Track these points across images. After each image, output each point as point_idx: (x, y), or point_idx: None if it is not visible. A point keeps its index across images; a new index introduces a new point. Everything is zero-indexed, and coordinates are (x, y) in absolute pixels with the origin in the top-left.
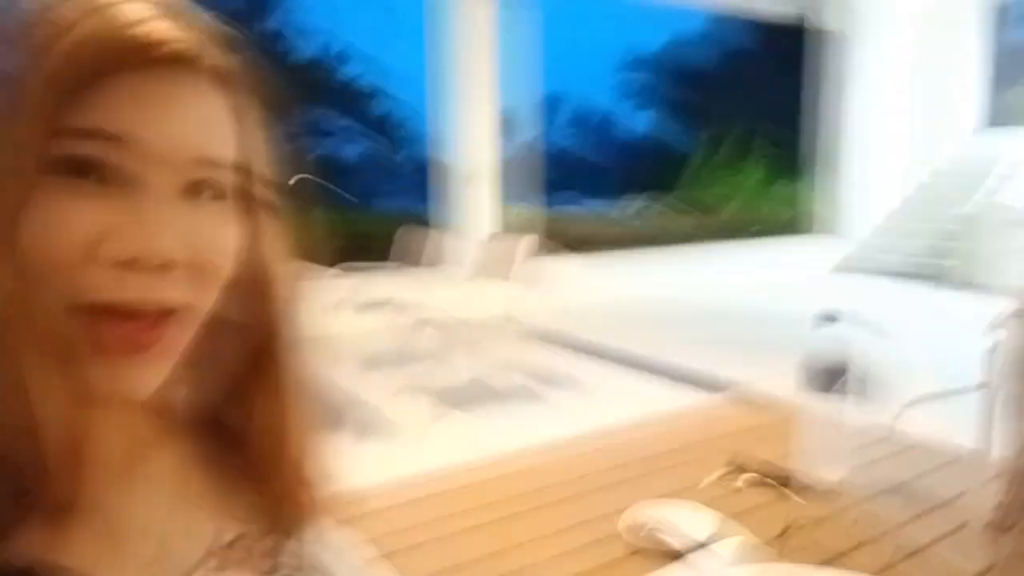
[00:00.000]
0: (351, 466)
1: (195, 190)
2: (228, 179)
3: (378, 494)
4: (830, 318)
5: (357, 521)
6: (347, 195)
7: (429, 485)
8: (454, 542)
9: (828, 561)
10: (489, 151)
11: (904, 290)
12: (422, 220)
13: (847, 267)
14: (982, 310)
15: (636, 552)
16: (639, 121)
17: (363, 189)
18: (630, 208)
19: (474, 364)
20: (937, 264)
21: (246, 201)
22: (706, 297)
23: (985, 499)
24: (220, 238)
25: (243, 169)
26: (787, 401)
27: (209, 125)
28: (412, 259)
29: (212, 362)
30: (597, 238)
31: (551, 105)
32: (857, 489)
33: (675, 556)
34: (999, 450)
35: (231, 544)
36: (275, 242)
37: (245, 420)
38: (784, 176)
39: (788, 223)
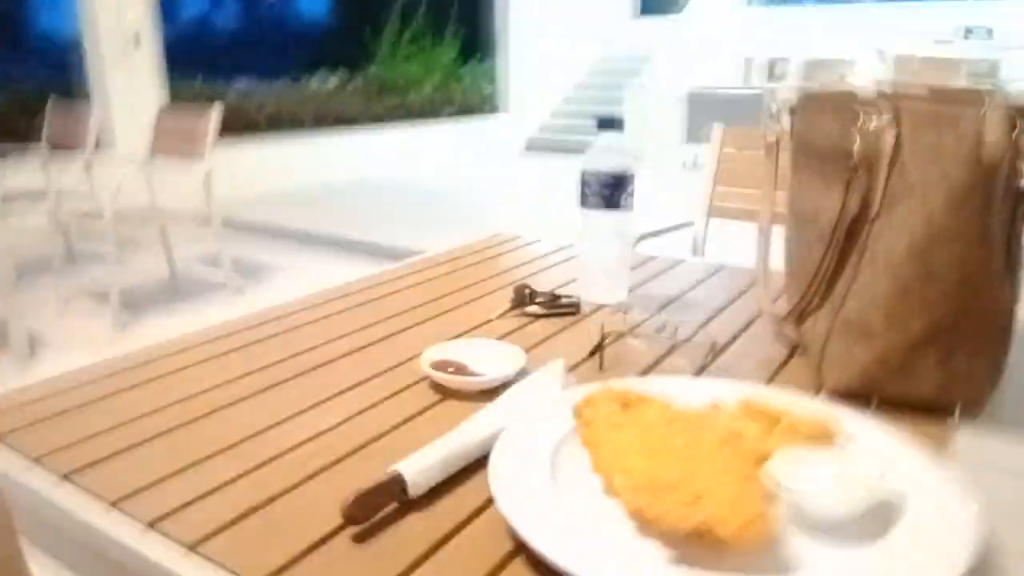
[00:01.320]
0: None
1: None
2: None
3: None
4: (610, 123)
5: None
6: None
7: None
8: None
9: (648, 369)
10: (149, 20)
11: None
12: (69, 94)
13: (534, 146)
14: None
15: (444, 397)
16: None
17: None
18: (320, 88)
19: (162, 260)
20: None
21: None
22: (402, 176)
23: (756, 300)
24: None
25: None
26: (560, 239)
27: None
28: (67, 139)
29: None
30: (285, 118)
31: None
32: (646, 304)
33: (486, 394)
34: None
35: None
36: None
37: None
38: (476, 56)
39: (480, 103)
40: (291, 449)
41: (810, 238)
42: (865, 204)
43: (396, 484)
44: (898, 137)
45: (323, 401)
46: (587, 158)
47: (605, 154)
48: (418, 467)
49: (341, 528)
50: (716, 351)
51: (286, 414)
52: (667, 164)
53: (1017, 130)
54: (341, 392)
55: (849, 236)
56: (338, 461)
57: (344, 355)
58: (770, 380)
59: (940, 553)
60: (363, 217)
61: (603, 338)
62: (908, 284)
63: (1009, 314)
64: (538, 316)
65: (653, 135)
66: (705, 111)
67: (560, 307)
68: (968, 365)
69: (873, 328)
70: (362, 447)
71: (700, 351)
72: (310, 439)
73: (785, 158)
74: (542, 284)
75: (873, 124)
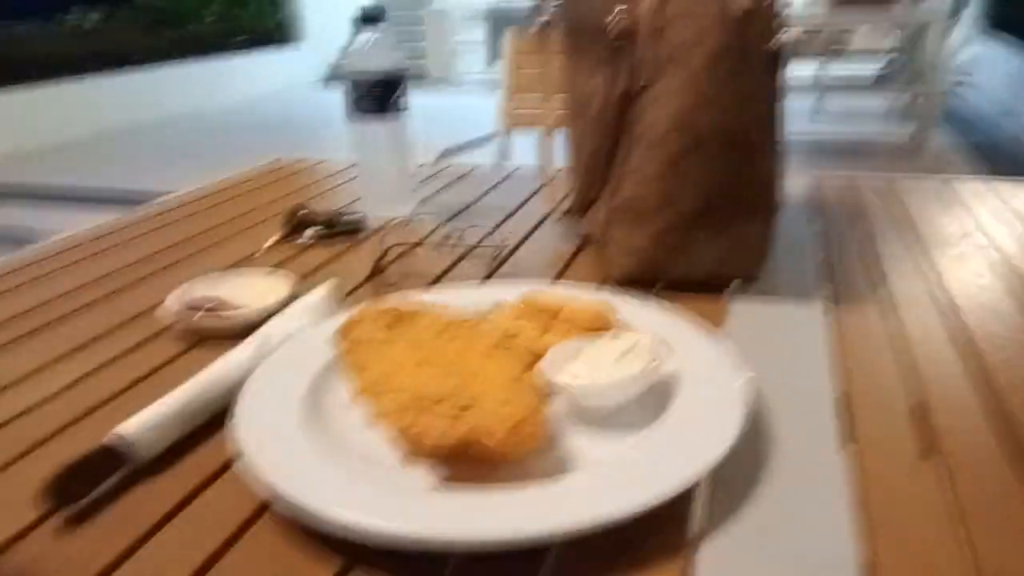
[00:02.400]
0: None
1: None
2: None
3: None
4: (371, 17)
5: None
6: None
7: None
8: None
9: (435, 280)
10: None
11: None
12: None
13: (338, 76)
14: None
15: (198, 342)
16: None
17: None
18: (81, 25)
19: None
20: (417, 64)
21: None
22: (189, 116)
23: (546, 200)
24: None
25: None
26: (338, 159)
27: None
28: None
29: None
30: (40, 63)
31: None
32: (437, 215)
33: (241, 333)
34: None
35: None
36: None
37: None
38: None
39: (273, 33)
40: None
41: (587, 123)
42: (633, 79)
43: (115, 450)
44: (657, 3)
45: (47, 365)
46: (350, 59)
47: (369, 53)
48: (145, 427)
49: (52, 513)
50: (505, 253)
51: None
52: (473, 86)
53: None
54: (71, 352)
55: (621, 115)
56: (59, 432)
57: (79, 308)
58: (558, 276)
59: (711, 428)
60: (142, 166)
61: (383, 253)
62: (675, 158)
63: (776, 177)
64: (316, 240)
65: (457, 57)
66: (506, 28)
67: (340, 227)
68: (741, 237)
69: (647, 208)
70: (90, 412)
71: (489, 255)
72: (25, 412)
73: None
74: (328, 207)
75: None
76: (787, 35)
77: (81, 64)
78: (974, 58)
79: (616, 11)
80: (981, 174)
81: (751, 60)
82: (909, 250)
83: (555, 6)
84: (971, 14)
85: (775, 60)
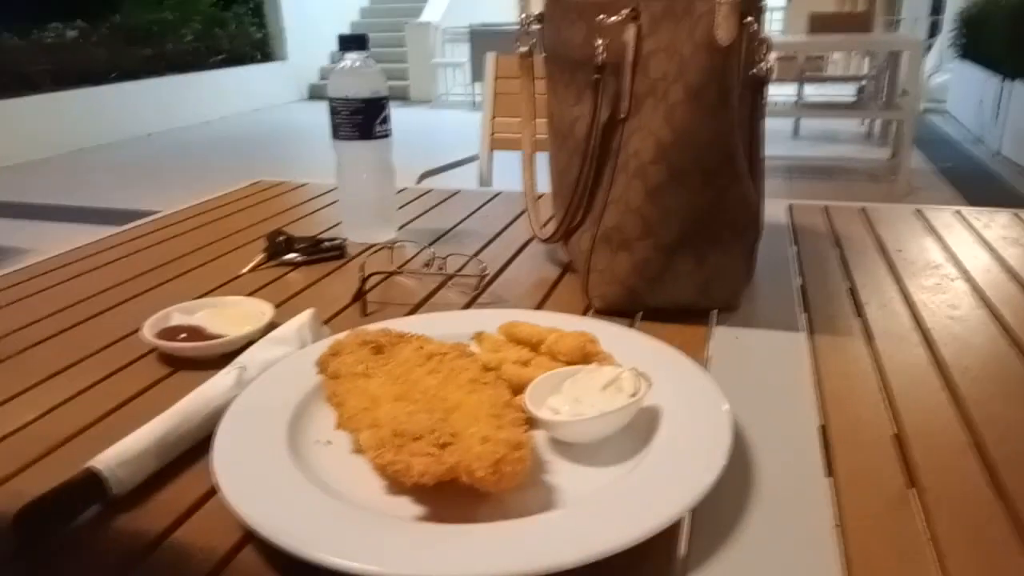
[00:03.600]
0: None
1: None
2: None
3: None
4: (354, 41)
5: None
6: None
7: None
8: None
9: (416, 308)
10: None
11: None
12: None
13: (317, 94)
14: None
15: (175, 369)
16: None
17: None
18: (57, 41)
19: None
20: (401, 86)
21: None
22: (166, 133)
23: (527, 225)
24: None
25: None
26: (318, 184)
27: None
28: None
29: None
30: (14, 78)
31: None
32: (419, 240)
33: (228, 360)
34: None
35: None
36: None
37: None
38: (242, 0)
39: (252, 51)
40: None
41: (569, 152)
42: (615, 109)
43: (87, 484)
44: (639, 32)
45: (17, 394)
46: (332, 83)
47: (351, 77)
48: (121, 458)
49: (18, 551)
50: (487, 280)
51: None
52: (455, 104)
53: (748, 17)
54: (44, 379)
55: (604, 144)
56: (27, 467)
57: (53, 335)
58: (540, 304)
59: (695, 460)
60: (118, 183)
61: (364, 280)
62: (657, 186)
63: (755, 208)
64: (296, 265)
65: (439, 75)
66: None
67: (321, 252)
68: (721, 264)
69: (630, 237)
70: (64, 442)
71: (471, 282)
72: None
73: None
74: (308, 230)
75: (612, 20)
76: (771, 60)
77: (58, 79)
78: (945, 85)
79: (598, 43)
80: (952, 198)
81: (731, 89)
82: (884, 280)
83: (537, 32)
84: (943, 42)
85: (758, 85)
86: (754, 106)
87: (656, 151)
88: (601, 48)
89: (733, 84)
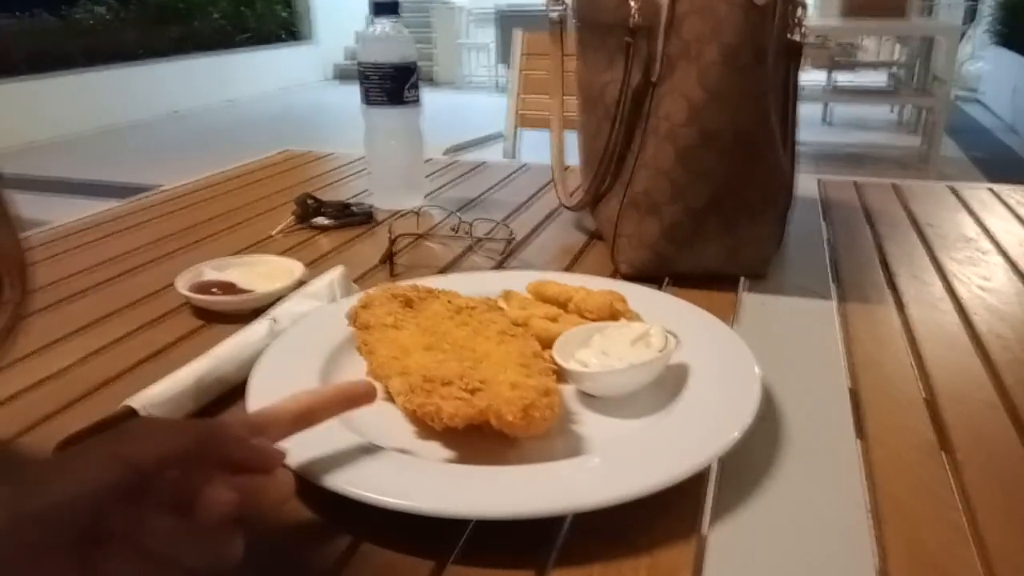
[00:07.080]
0: None
1: None
2: None
3: None
4: (386, 6)
5: None
6: None
7: None
8: None
9: (444, 270)
10: None
11: None
12: None
13: (345, 75)
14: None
15: (208, 322)
16: None
17: None
18: (87, 19)
19: None
20: (426, 68)
21: None
22: (196, 112)
23: (555, 196)
24: None
25: None
26: (349, 151)
27: None
28: None
29: None
30: (49, 57)
31: None
32: (446, 207)
33: (259, 314)
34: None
35: None
36: None
37: None
38: None
39: (279, 30)
40: (5, 402)
41: (599, 118)
42: (647, 72)
43: (125, 420)
44: None
45: (57, 341)
46: (363, 48)
47: (383, 43)
48: (157, 399)
49: None
50: (514, 245)
51: (5, 361)
52: (478, 86)
53: None
54: (82, 328)
55: (634, 109)
56: (69, 405)
57: (90, 287)
58: (567, 268)
59: (724, 413)
60: (148, 161)
61: (393, 242)
62: (688, 150)
63: (787, 176)
64: (326, 228)
65: (467, 57)
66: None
67: (350, 216)
68: (751, 231)
69: (659, 201)
70: (102, 386)
71: (498, 247)
72: (35, 385)
73: (571, 42)
74: (336, 197)
75: None
76: (807, 26)
77: (90, 58)
78: (980, 72)
79: (632, 5)
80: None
81: (766, 53)
82: (915, 252)
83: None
84: (979, 29)
85: (793, 52)
86: (788, 74)
87: (688, 113)
88: (635, 10)
89: (768, 44)
